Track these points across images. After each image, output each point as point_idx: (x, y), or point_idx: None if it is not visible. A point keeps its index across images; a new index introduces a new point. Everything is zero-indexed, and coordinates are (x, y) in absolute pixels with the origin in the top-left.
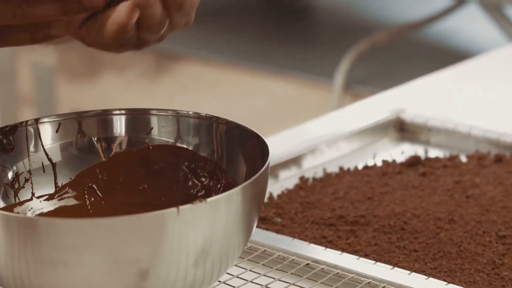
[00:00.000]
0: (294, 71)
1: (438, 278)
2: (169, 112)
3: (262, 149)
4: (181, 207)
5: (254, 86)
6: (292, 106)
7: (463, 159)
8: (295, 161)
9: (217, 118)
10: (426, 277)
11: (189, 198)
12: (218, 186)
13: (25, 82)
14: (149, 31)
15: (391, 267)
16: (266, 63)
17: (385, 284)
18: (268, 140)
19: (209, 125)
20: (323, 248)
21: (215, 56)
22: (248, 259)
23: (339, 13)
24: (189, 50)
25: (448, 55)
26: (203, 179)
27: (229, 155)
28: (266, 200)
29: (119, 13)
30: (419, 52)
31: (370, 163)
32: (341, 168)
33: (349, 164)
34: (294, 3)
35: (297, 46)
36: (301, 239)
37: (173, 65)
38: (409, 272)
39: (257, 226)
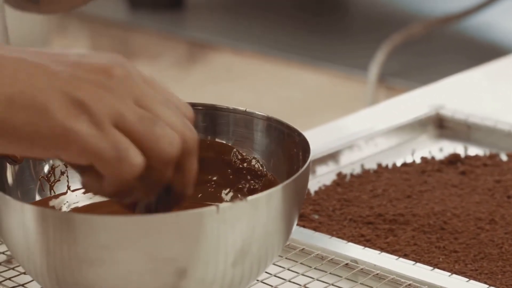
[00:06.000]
0: (328, 63)
1: (479, 280)
2: (208, 106)
3: (303, 146)
4: (221, 206)
5: (286, 77)
6: (325, 98)
7: (504, 157)
8: (333, 156)
9: (258, 114)
10: (467, 279)
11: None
12: (258, 184)
13: None
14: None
15: (431, 268)
16: (299, 54)
17: (426, 286)
18: (305, 135)
19: (249, 120)
20: (362, 247)
21: (247, 46)
22: (286, 258)
23: (375, 4)
24: (221, 39)
25: (484, 49)
26: (243, 176)
27: (269, 152)
28: None
29: None
30: (455, 45)
31: (409, 160)
32: (379, 165)
33: (387, 161)
34: None
35: (331, 37)
36: (339, 237)
37: (206, 54)
38: (449, 273)
39: None
